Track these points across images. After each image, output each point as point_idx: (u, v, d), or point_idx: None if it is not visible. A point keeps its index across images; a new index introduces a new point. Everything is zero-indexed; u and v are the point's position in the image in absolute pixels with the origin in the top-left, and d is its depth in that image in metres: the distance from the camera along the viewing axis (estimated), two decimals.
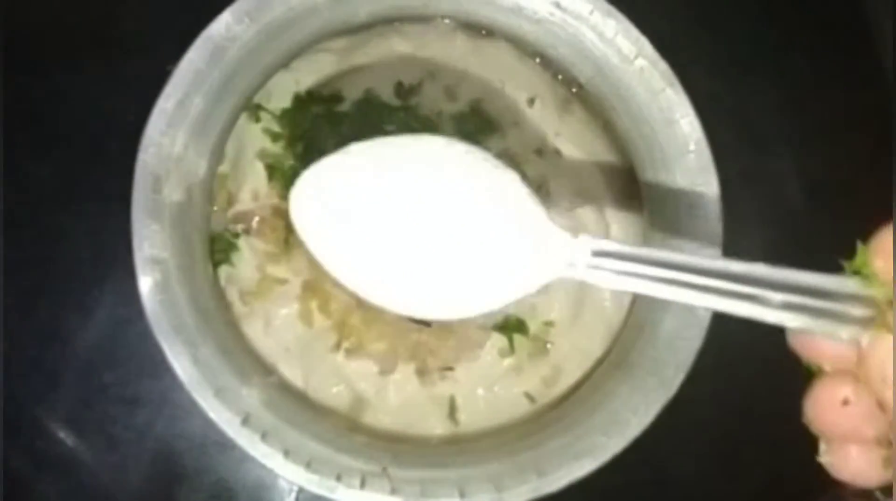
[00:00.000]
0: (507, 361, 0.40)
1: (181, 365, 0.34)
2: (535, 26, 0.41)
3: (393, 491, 0.34)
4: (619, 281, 0.23)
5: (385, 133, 0.38)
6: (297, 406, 0.37)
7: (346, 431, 0.38)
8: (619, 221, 0.42)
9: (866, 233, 0.21)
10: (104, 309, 0.44)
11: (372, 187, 0.24)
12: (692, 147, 0.38)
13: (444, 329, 0.39)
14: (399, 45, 0.43)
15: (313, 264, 0.39)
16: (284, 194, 0.40)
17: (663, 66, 0.39)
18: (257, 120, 0.41)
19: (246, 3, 0.37)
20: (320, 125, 0.41)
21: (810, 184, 0.49)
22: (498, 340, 0.40)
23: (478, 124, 0.42)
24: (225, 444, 0.39)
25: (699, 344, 0.36)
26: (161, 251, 0.35)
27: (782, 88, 0.50)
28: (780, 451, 0.45)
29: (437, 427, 0.40)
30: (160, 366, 0.34)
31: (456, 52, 0.43)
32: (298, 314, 0.39)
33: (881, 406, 0.20)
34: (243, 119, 0.41)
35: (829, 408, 0.21)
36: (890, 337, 0.19)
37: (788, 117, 0.50)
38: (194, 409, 0.34)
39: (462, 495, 0.34)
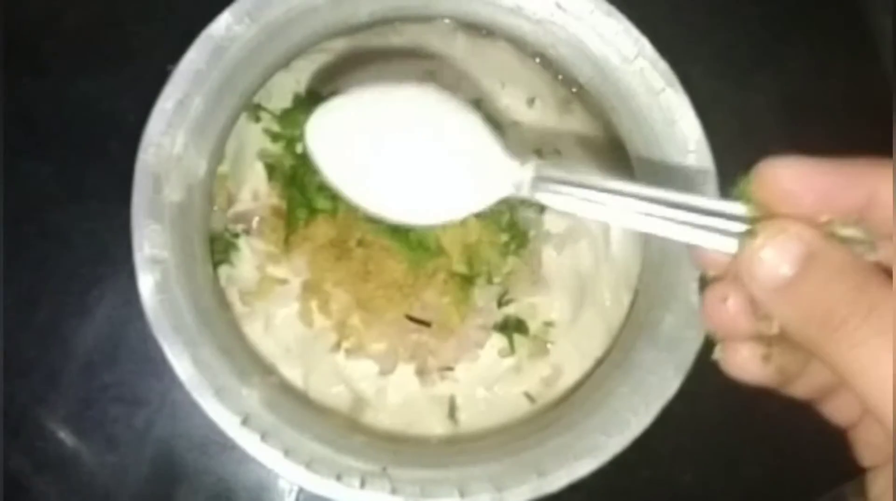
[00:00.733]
0: (507, 361, 0.40)
1: (181, 365, 0.34)
2: (535, 26, 0.41)
3: (393, 491, 0.34)
4: (556, 199, 0.28)
5: None
6: (297, 406, 0.37)
7: (346, 431, 0.38)
8: None
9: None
10: (104, 309, 0.44)
11: (370, 120, 0.30)
12: (692, 147, 0.38)
13: (444, 329, 0.39)
14: (399, 45, 0.43)
15: (313, 264, 0.39)
16: (284, 194, 0.40)
17: (663, 66, 0.39)
18: (257, 120, 0.41)
19: (246, 3, 0.37)
20: None
21: None
22: (498, 340, 0.40)
23: None
24: (225, 444, 0.39)
25: (699, 344, 0.36)
26: (161, 251, 0.35)
27: (782, 88, 0.50)
28: (781, 451, 0.45)
29: (437, 427, 0.40)
30: (160, 366, 0.34)
31: (456, 52, 0.43)
32: (298, 314, 0.39)
33: (753, 302, 0.25)
34: (243, 119, 0.41)
35: (714, 306, 0.26)
36: (754, 241, 0.24)
37: (788, 117, 0.50)
38: (194, 409, 0.34)
39: (462, 495, 0.34)
